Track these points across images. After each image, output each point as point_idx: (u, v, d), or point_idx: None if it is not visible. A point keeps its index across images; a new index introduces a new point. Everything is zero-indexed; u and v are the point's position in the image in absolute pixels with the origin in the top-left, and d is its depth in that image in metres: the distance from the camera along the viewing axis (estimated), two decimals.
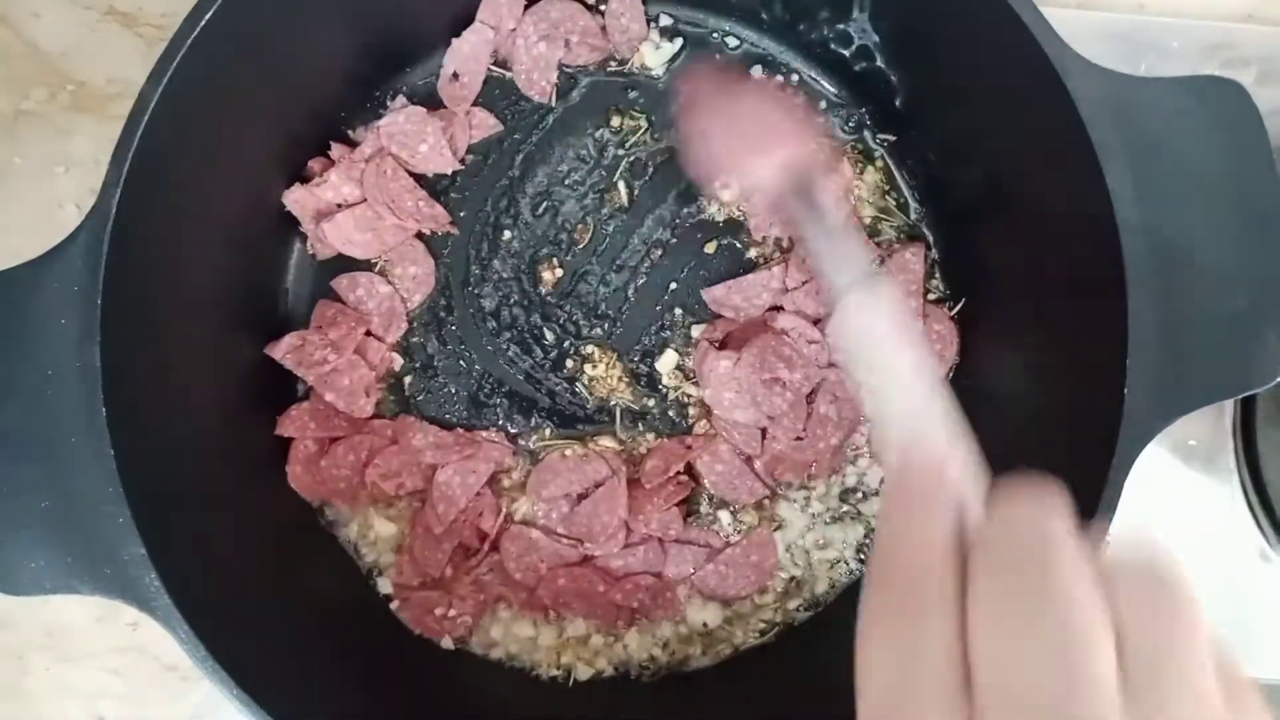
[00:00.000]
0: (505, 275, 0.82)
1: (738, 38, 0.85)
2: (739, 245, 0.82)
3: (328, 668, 0.66)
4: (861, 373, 0.46)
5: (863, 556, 0.80)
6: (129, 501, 0.57)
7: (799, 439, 0.78)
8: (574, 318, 0.82)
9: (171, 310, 0.66)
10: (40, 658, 0.82)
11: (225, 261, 0.73)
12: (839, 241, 0.52)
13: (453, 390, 0.81)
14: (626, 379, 0.81)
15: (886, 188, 0.83)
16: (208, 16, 0.58)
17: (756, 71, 0.84)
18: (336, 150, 0.80)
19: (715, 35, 0.85)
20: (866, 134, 0.83)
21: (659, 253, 0.82)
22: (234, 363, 0.74)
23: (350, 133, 0.83)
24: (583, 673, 0.77)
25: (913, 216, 0.82)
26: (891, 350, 0.45)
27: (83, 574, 0.58)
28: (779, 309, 0.80)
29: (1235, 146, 0.59)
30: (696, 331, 0.81)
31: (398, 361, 0.81)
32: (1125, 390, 0.57)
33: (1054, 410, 0.66)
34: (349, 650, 0.71)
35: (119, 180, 0.58)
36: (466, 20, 0.82)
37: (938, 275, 0.81)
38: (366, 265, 0.81)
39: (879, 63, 0.78)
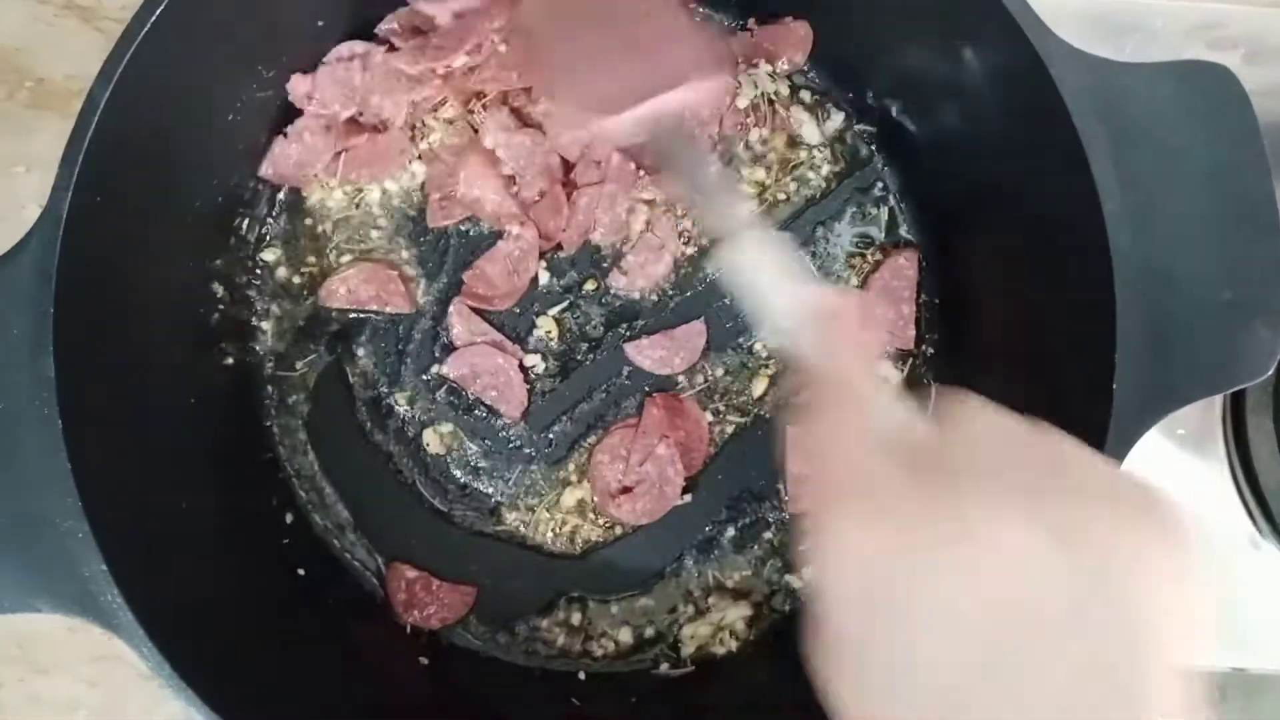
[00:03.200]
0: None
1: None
2: None
3: (301, 682, 0.65)
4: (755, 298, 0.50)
5: None
6: (88, 516, 0.55)
7: None
8: None
9: (131, 317, 0.64)
10: (12, 670, 0.80)
11: (188, 265, 0.71)
12: (719, 193, 0.54)
13: None
14: None
15: (868, 185, 0.82)
16: (158, 12, 0.56)
17: None
18: None
19: None
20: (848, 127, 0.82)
21: None
22: (197, 371, 0.72)
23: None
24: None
25: (898, 220, 0.81)
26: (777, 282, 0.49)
27: (42, 592, 0.56)
28: None
29: (1223, 134, 0.58)
30: None
31: None
32: (1114, 387, 0.56)
33: (1041, 408, 0.65)
34: (324, 665, 0.69)
35: (69, 184, 0.56)
36: None
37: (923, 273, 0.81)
38: None
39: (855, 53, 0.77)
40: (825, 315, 0.46)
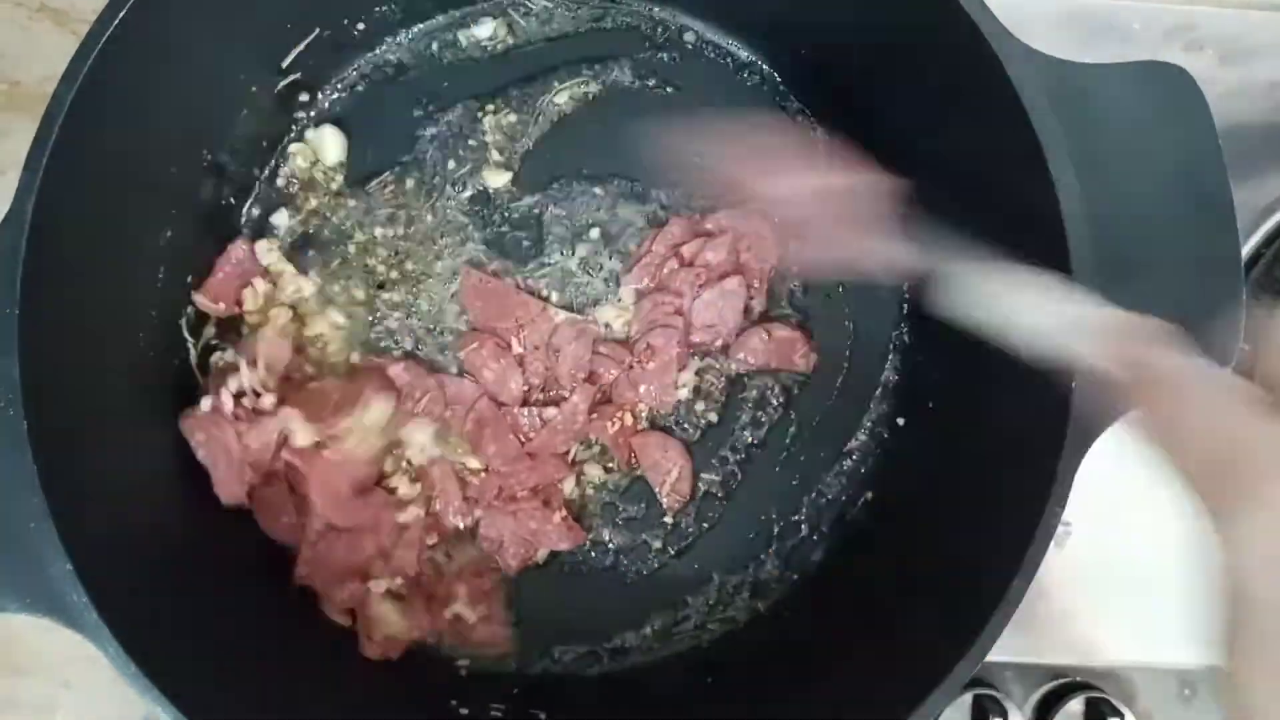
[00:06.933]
0: None
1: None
2: None
3: (270, 682, 0.65)
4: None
5: None
6: (54, 516, 0.56)
7: None
8: None
9: (99, 317, 0.64)
10: None
11: (160, 265, 0.71)
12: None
13: None
14: None
15: None
16: (122, 14, 0.57)
17: None
18: None
19: None
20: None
21: None
22: (164, 370, 0.72)
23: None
24: None
25: None
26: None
27: (9, 592, 0.56)
28: None
29: (1180, 133, 0.58)
30: None
31: None
32: (1072, 386, 0.56)
33: (1000, 410, 0.65)
34: (293, 664, 0.69)
35: (33, 187, 0.56)
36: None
37: None
38: None
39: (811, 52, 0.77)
40: (1115, 334, 0.46)
